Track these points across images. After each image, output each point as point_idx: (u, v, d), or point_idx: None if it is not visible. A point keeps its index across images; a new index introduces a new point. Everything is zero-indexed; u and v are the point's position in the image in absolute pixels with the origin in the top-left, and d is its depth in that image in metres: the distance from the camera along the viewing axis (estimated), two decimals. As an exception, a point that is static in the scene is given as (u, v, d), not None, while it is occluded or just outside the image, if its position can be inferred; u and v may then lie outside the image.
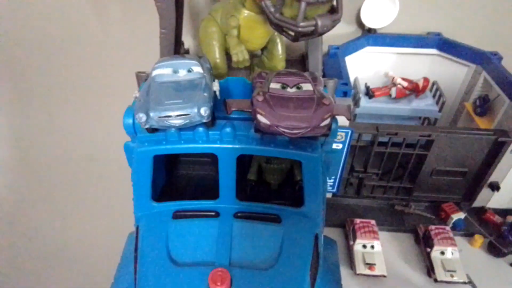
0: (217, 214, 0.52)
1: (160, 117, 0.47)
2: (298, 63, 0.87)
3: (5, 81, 1.11)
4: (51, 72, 1.08)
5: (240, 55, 0.66)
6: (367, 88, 0.90)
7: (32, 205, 1.45)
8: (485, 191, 0.80)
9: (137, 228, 0.52)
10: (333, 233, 0.80)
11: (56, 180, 1.34)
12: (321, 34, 0.53)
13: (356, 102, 0.89)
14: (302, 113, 0.46)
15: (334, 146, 0.73)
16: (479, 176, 0.79)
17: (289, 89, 0.49)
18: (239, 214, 0.52)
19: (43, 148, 1.26)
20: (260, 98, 0.47)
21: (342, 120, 0.52)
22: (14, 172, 1.35)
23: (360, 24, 0.88)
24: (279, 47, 0.71)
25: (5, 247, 1.63)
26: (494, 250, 0.75)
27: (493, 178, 0.78)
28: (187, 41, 0.94)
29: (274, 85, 0.50)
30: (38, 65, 1.06)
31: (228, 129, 0.50)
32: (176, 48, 0.73)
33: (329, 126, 0.48)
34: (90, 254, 1.55)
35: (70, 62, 1.05)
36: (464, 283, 0.68)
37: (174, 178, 0.69)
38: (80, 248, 1.56)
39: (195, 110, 0.47)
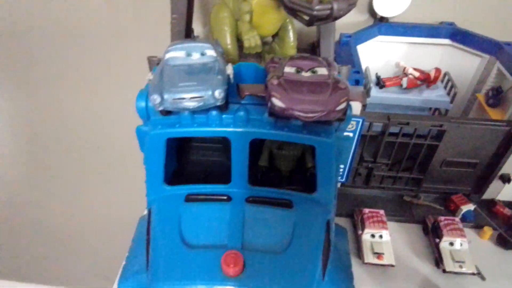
0: (229, 198, 0.52)
1: (174, 99, 0.46)
2: (308, 52, 0.86)
3: (15, 69, 1.11)
4: (60, 59, 1.08)
5: (252, 40, 0.65)
6: (378, 78, 0.89)
7: (40, 192, 1.46)
8: (495, 183, 0.80)
9: (149, 211, 0.52)
10: (342, 222, 0.79)
11: (64, 167, 1.35)
12: (336, 18, 0.52)
13: (367, 92, 0.88)
14: (318, 97, 0.46)
15: (345, 134, 0.72)
16: (490, 168, 0.78)
17: (303, 73, 0.49)
18: (251, 199, 0.52)
19: (52, 135, 1.26)
20: (275, 82, 0.47)
21: (354, 109, 0.52)
22: (23, 159, 1.35)
23: (372, 12, 0.87)
24: (291, 34, 0.70)
25: (13, 234, 1.65)
26: (503, 242, 0.75)
27: (504, 170, 0.77)
28: (197, 28, 0.93)
29: (289, 69, 0.49)
30: (47, 53, 1.06)
31: (241, 113, 0.50)
32: (187, 35, 0.72)
33: (344, 111, 0.47)
34: (97, 242, 1.56)
35: (79, 49, 1.05)
36: (473, 274, 0.68)
37: (184, 164, 0.69)
38: (87, 236, 1.58)
39: (210, 92, 0.46)
